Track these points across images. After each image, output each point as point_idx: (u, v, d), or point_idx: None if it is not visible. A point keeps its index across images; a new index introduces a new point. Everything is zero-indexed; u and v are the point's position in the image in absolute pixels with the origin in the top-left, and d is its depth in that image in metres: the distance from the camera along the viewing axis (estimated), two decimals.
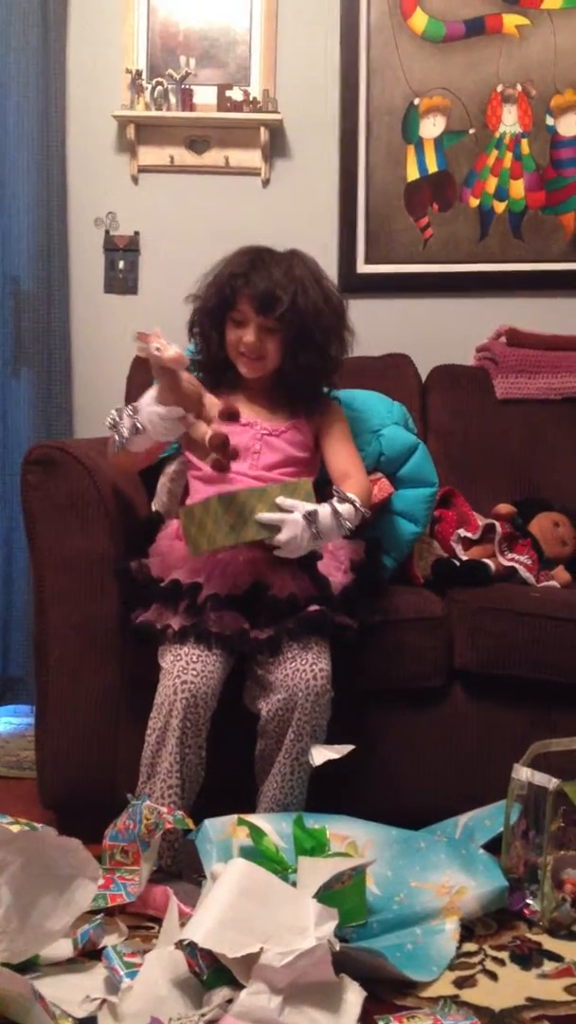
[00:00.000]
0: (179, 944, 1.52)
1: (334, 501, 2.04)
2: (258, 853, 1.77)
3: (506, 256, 3.17)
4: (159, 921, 1.73)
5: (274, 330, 2.20)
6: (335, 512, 2.02)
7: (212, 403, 2.05)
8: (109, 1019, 1.47)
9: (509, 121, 3.16)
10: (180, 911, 1.65)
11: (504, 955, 1.73)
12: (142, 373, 2.80)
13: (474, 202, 3.17)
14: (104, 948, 1.62)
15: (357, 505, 2.07)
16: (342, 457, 2.29)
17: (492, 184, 3.16)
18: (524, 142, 3.15)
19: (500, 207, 3.17)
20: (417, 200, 3.17)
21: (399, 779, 2.19)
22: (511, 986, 1.63)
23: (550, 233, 3.16)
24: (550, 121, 3.15)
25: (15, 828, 1.59)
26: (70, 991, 1.54)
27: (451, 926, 1.75)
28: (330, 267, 3.11)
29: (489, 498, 2.67)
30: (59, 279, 3.11)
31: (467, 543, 2.51)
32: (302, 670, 1.95)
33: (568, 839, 1.88)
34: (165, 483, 2.43)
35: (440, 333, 3.14)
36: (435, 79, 3.15)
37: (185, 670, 1.93)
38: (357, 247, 3.17)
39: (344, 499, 2.06)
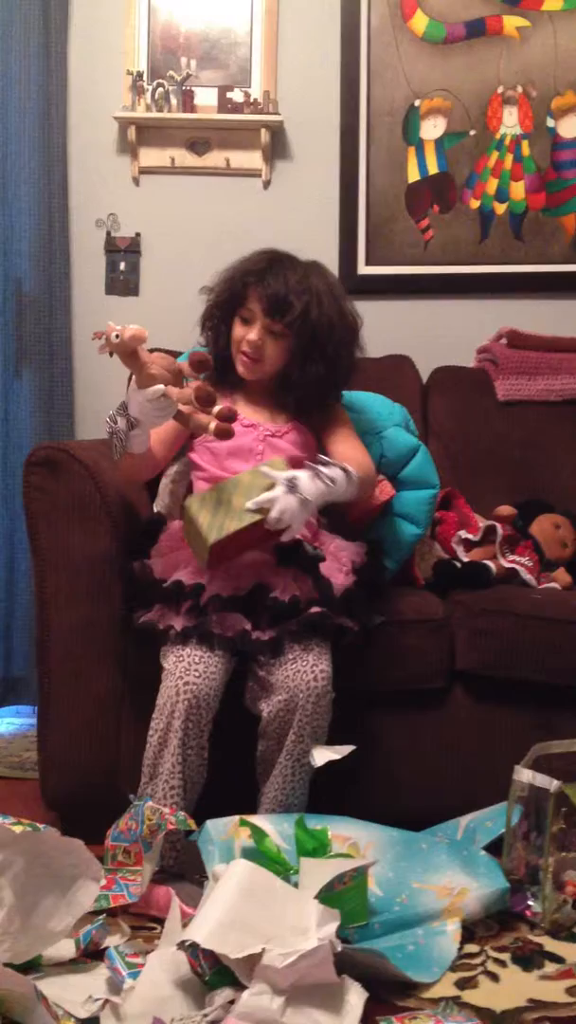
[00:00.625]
0: (181, 945, 1.52)
1: (314, 465, 2.00)
2: (260, 854, 1.77)
3: (507, 258, 3.18)
4: (161, 922, 1.74)
5: (279, 335, 2.20)
6: (315, 473, 1.97)
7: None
8: (112, 1019, 1.48)
9: (510, 123, 3.16)
10: (182, 912, 1.66)
11: (505, 956, 1.73)
12: None
13: (475, 204, 3.17)
14: (106, 949, 1.62)
15: (343, 466, 2.02)
16: (344, 446, 2.27)
17: (493, 186, 3.17)
18: (525, 144, 3.16)
19: (501, 209, 3.17)
20: (418, 202, 3.18)
21: (400, 780, 2.19)
22: (512, 987, 1.64)
23: (551, 235, 3.17)
24: (551, 123, 3.15)
25: (18, 829, 1.59)
26: (73, 992, 1.54)
27: (452, 927, 1.75)
28: (331, 268, 3.09)
29: (490, 500, 2.67)
30: (60, 281, 3.12)
31: (468, 545, 2.52)
32: (303, 671, 1.95)
33: (569, 841, 1.88)
34: (167, 484, 2.43)
35: (441, 335, 3.14)
36: (436, 80, 3.15)
37: (188, 671, 1.93)
38: (358, 249, 3.18)
39: (326, 464, 2.01)
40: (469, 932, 1.78)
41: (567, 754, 1.97)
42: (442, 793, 2.18)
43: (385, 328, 3.10)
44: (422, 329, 3.16)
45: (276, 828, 1.86)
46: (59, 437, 3.07)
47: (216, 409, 1.95)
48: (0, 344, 3.07)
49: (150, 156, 3.18)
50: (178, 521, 2.25)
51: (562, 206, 3.16)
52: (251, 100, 3.10)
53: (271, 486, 1.95)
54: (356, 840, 1.88)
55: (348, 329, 2.27)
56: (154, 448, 2.16)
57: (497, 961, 1.71)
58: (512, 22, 3.13)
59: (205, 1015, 1.47)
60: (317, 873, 1.66)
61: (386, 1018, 1.50)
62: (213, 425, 1.96)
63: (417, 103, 3.16)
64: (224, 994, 1.49)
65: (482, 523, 2.54)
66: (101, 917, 1.73)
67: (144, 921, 1.82)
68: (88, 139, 3.17)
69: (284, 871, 1.74)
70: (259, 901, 1.56)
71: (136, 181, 3.20)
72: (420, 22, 3.14)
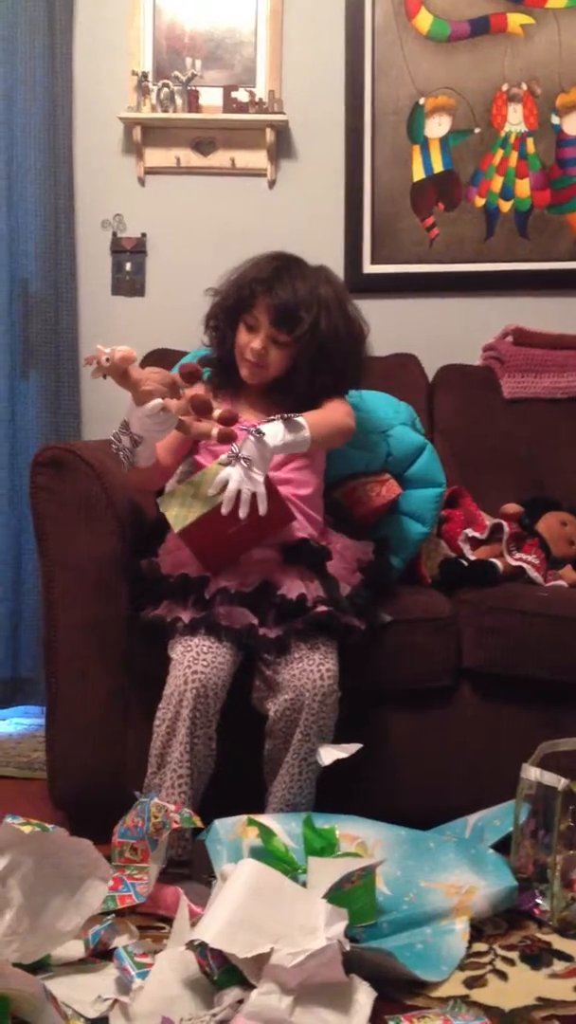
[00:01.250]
0: (190, 944, 1.53)
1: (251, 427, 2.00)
2: (268, 853, 1.77)
3: (512, 255, 3.17)
4: (170, 921, 1.74)
5: (284, 344, 2.20)
6: (254, 434, 1.96)
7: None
8: (121, 1019, 1.48)
9: (514, 120, 3.16)
10: (191, 911, 1.66)
11: (514, 955, 1.73)
12: None
13: (480, 201, 3.17)
14: (115, 948, 1.63)
15: (281, 416, 2.01)
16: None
17: (498, 183, 3.16)
18: (529, 141, 3.15)
19: (506, 206, 3.17)
20: (423, 200, 3.17)
21: (408, 779, 2.20)
22: (521, 986, 1.64)
23: (556, 232, 3.16)
24: (555, 120, 3.15)
25: (26, 829, 1.60)
26: (82, 991, 1.54)
27: (461, 926, 1.75)
28: (336, 267, 3.09)
29: (496, 498, 2.67)
30: (67, 281, 3.12)
31: (475, 543, 2.52)
32: (309, 670, 1.95)
33: None
34: (173, 485, 2.43)
35: (446, 333, 3.14)
36: (440, 79, 3.15)
37: (196, 660, 1.94)
38: (363, 247, 3.18)
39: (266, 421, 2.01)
40: (477, 931, 1.79)
41: (575, 752, 1.97)
42: (450, 791, 2.19)
43: (391, 326, 3.09)
44: (428, 327, 3.15)
45: (284, 827, 1.87)
46: (66, 438, 3.07)
47: (217, 413, 1.97)
48: (7, 345, 3.07)
49: (155, 156, 3.18)
50: None
51: (567, 203, 3.16)
52: (256, 100, 3.10)
53: None
54: (364, 839, 1.88)
55: (355, 338, 2.26)
56: (161, 457, 2.17)
57: (506, 959, 1.71)
58: (516, 19, 3.13)
59: (214, 1015, 1.47)
60: (325, 872, 1.66)
61: (395, 1017, 1.50)
62: (215, 431, 1.98)
63: (422, 101, 3.16)
64: (233, 993, 1.49)
65: (489, 521, 2.54)
66: (110, 917, 1.73)
67: (153, 921, 1.82)
68: (93, 140, 3.17)
69: (292, 870, 1.74)
70: (267, 900, 1.56)
71: (141, 181, 3.20)
72: (424, 20, 3.13)
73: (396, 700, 2.20)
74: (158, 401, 1.93)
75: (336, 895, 1.62)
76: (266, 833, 1.82)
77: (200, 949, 1.51)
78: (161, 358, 2.82)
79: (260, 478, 1.94)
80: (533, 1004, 1.58)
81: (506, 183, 3.16)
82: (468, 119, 3.16)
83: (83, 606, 2.17)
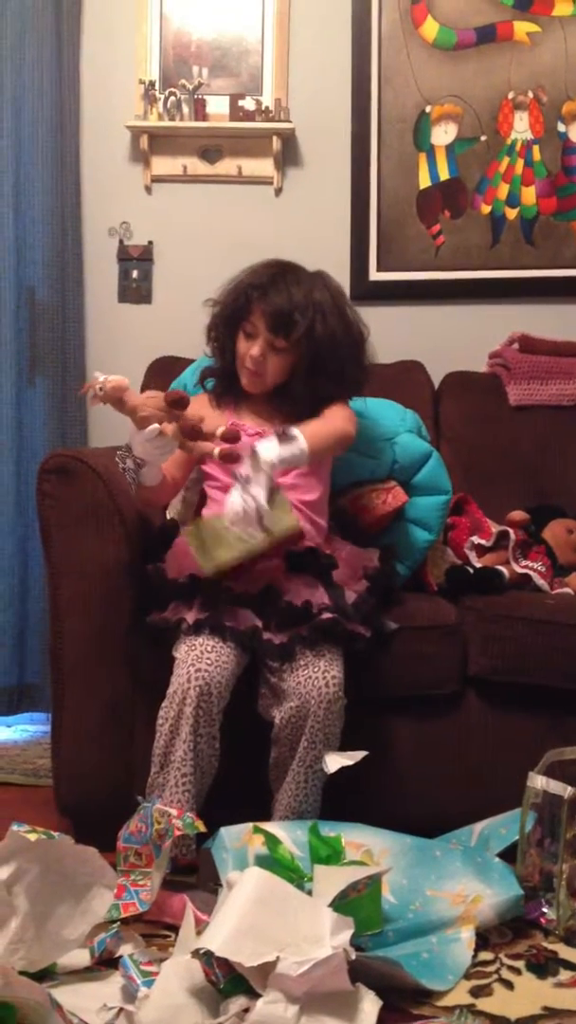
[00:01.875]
0: (196, 953, 1.52)
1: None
2: (274, 861, 1.77)
3: (518, 262, 3.17)
4: (175, 929, 1.74)
5: (282, 350, 2.20)
6: (250, 455, 1.94)
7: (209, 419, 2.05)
8: None
9: (520, 128, 3.16)
10: (196, 919, 1.66)
11: (520, 964, 1.72)
12: (156, 381, 2.82)
13: (486, 209, 3.17)
14: (121, 957, 1.62)
15: (277, 431, 2.01)
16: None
17: (504, 191, 3.17)
18: (535, 148, 3.16)
19: (512, 214, 3.17)
20: (429, 207, 3.18)
21: (414, 787, 2.19)
22: (527, 995, 1.63)
23: (562, 239, 3.17)
24: (561, 127, 3.15)
25: (32, 836, 1.60)
26: (87, 1000, 1.54)
27: (467, 935, 1.75)
28: (342, 275, 3.12)
29: (502, 505, 2.67)
30: (74, 289, 3.13)
31: (481, 550, 2.52)
32: (314, 677, 1.96)
33: None
34: (181, 492, 2.44)
35: (452, 340, 3.14)
36: (446, 87, 3.16)
37: (200, 659, 1.94)
38: (369, 255, 3.18)
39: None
40: (483, 939, 1.78)
41: None
42: (455, 799, 2.18)
43: (397, 334, 3.10)
44: (434, 334, 3.16)
45: (290, 835, 1.87)
46: (72, 445, 3.08)
47: (220, 431, 1.98)
48: (14, 352, 3.08)
49: (162, 164, 3.19)
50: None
51: (573, 210, 3.16)
52: (263, 108, 3.11)
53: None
54: (370, 847, 1.88)
55: (353, 342, 2.26)
56: (169, 471, 2.18)
57: (511, 968, 1.71)
58: (522, 27, 3.13)
59: (220, 1023, 1.47)
60: (331, 881, 1.66)
61: None
62: (217, 451, 2.00)
63: (428, 109, 3.16)
64: (238, 1002, 1.49)
65: (495, 528, 2.54)
66: (115, 925, 1.73)
67: (158, 929, 1.82)
68: (101, 148, 3.19)
69: (298, 878, 1.74)
70: (273, 909, 1.56)
71: (148, 189, 3.21)
72: (431, 29, 3.14)
73: (402, 708, 2.20)
74: (155, 427, 1.96)
75: (342, 904, 1.62)
76: (272, 841, 1.82)
77: (206, 957, 1.51)
78: (168, 366, 2.83)
79: (261, 496, 1.93)
80: (539, 1013, 1.57)
81: (512, 191, 3.16)
82: (474, 127, 3.16)
83: (89, 613, 2.18)
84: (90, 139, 3.18)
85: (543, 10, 3.13)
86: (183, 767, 1.94)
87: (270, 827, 1.87)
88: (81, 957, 1.66)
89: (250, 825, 1.87)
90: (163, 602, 2.07)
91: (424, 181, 3.18)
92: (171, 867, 1.89)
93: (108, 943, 1.67)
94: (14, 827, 1.61)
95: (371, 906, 1.68)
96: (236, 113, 3.11)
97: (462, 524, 2.60)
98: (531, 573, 2.45)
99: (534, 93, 3.14)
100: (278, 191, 3.21)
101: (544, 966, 1.71)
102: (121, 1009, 1.51)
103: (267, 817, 2.00)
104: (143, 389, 2.87)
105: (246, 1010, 1.47)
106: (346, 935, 1.54)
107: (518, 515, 2.59)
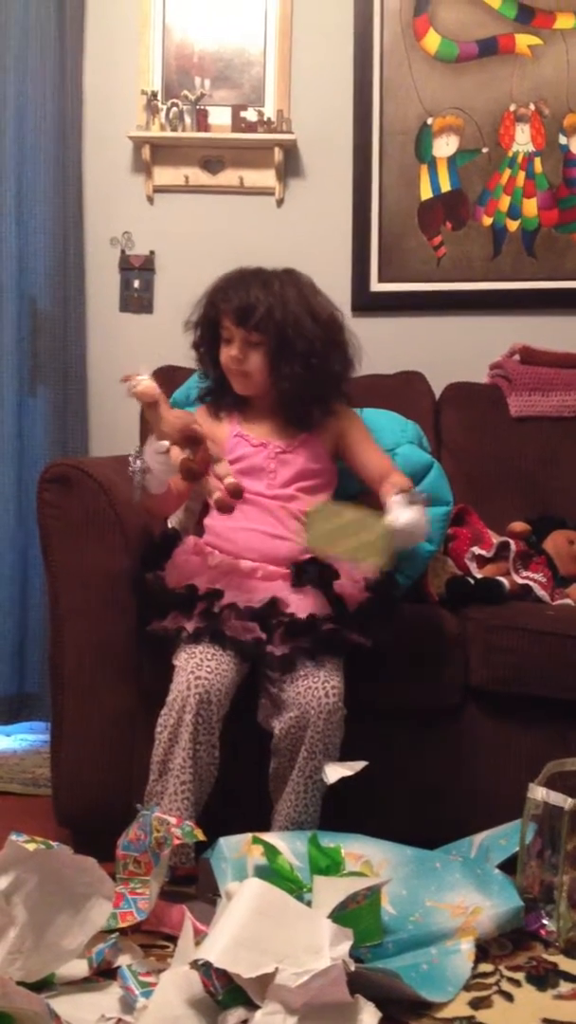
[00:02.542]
0: (194, 964, 1.52)
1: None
2: (273, 872, 1.77)
3: (519, 274, 3.18)
4: (174, 940, 1.73)
5: (257, 343, 2.21)
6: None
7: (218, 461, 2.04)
8: None
9: (522, 140, 3.17)
10: (195, 929, 1.65)
11: (520, 976, 1.71)
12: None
13: (487, 221, 3.18)
14: (119, 967, 1.62)
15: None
16: (373, 456, 2.30)
17: (505, 203, 3.18)
18: (537, 161, 3.17)
19: (513, 225, 3.18)
20: (430, 219, 3.19)
21: (414, 798, 2.19)
22: (527, 1007, 1.62)
23: (563, 251, 3.17)
24: (563, 140, 3.16)
25: (31, 846, 1.59)
26: (85, 1010, 1.54)
27: (466, 946, 1.74)
28: (344, 286, 3.13)
29: (503, 516, 2.67)
30: (75, 298, 3.14)
31: (481, 561, 2.52)
32: (314, 688, 1.95)
33: None
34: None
35: (453, 351, 3.15)
36: (448, 99, 3.17)
37: (199, 667, 1.95)
38: (370, 266, 3.19)
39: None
40: (483, 951, 1.77)
41: None
42: (455, 810, 2.18)
43: (398, 345, 3.11)
44: (435, 346, 3.16)
45: (289, 846, 1.86)
46: (73, 454, 3.08)
47: (228, 481, 1.98)
48: (15, 361, 3.08)
49: (164, 175, 3.20)
50: (192, 537, 2.26)
51: (574, 222, 3.17)
52: (264, 119, 3.12)
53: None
54: (369, 858, 1.87)
55: (322, 324, 2.25)
56: (176, 483, 2.18)
57: (511, 980, 1.70)
58: (524, 40, 3.14)
59: None
60: (330, 891, 1.65)
61: None
62: (216, 495, 1.99)
63: (430, 121, 3.17)
64: (237, 1013, 1.48)
65: (495, 539, 2.54)
66: (114, 935, 1.72)
67: (157, 939, 1.81)
68: (103, 158, 3.20)
69: (297, 889, 1.74)
70: (272, 920, 1.55)
71: (150, 200, 3.22)
72: (432, 41, 3.16)
73: (402, 718, 2.20)
74: (164, 444, 1.96)
75: (341, 915, 1.61)
76: (271, 852, 1.81)
77: (204, 968, 1.50)
78: (169, 375, 2.83)
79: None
80: None
81: (513, 202, 3.17)
82: (476, 139, 3.17)
83: (89, 622, 2.17)
84: (92, 149, 3.19)
85: (545, 23, 3.14)
86: (182, 775, 1.93)
87: (269, 837, 1.87)
88: (79, 967, 1.66)
89: (249, 835, 1.87)
90: (163, 611, 2.07)
91: (425, 193, 3.19)
92: (169, 876, 1.88)
93: (106, 953, 1.66)
94: (13, 837, 1.61)
95: (370, 917, 1.68)
96: (238, 124, 3.12)
97: (463, 535, 2.60)
98: (532, 584, 2.44)
99: (536, 105, 3.16)
100: (280, 202, 3.21)
101: (544, 978, 1.70)
102: (119, 1020, 1.50)
103: (266, 828, 1.99)
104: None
105: (244, 1021, 1.46)
106: (345, 946, 1.54)
107: (519, 526, 2.59)
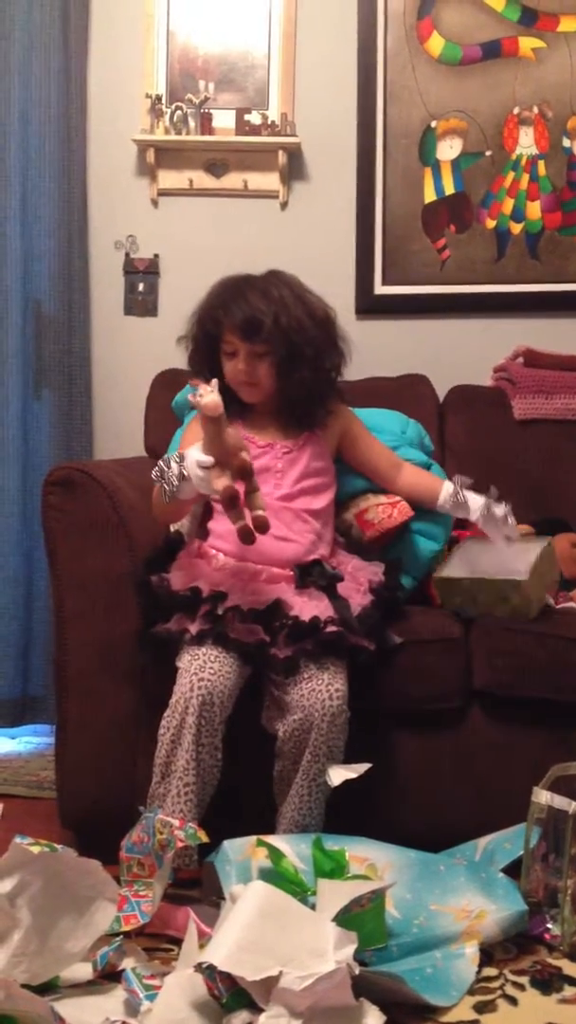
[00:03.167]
0: (198, 967, 1.52)
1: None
2: (277, 875, 1.77)
3: (523, 277, 3.18)
4: (178, 943, 1.73)
5: (263, 354, 2.21)
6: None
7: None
8: None
9: (526, 143, 3.17)
10: (199, 932, 1.65)
11: (524, 980, 1.71)
12: (162, 394, 2.83)
13: (491, 223, 3.18)
14: (123, 970, 1.62)
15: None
16: (379, 451, 2.40)
17: (509, 205, 3.18)
18: (541, 163, 3.17)
19: (517, 228, 3.18)
20: (434, 222, 3.19)
21: (418, 801, 2.19)
22: (531, 1011, 1.62)
23: (567, 254, 3.17)
24: (567, 143, 3.16)
25: (35, 849, 1.60)
26: (90, 1013, 1.54)
27: (471, 950, 1.74)
28: (348, 288, 3.14)
29: None
30: (80, 301, 3.14)
31: None
32: (318, 690, 1.95)
33: None
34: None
35: (457, 354, 3.15)
36: (452, 102, 3.17)
37: (202, 668, 1.95)
38: (374, 269, 3.19)
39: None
40: (487, 955, 1.77)
41: None
42: (460, 814, 2.17)
43: (401, 347, 3.11)
44: (438, 348, 3.16)
45: (293, 849, 1.86)
46: (78, 457, 3.08)
47: (257, 513, 1.96)
48: (20, 364, 3.09)
49: (168, 178, 3.20)
50: (196, 540, 2.26)
51: None
52: (268, 122, 3.12)
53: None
54: (374, 861, 1.87)
55: (320, 324, 2.27)
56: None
57: (516, 984, 1.70)
58: (528, 43, 3.15)
59: None
60: (334, 895, 1.65)
61: None
62: (241, 524, 1.97)
63: (433, 124, 3.17)
64: (241, 1016, 1.48)
65: None
66: (119, 939, 1.72)
67: (161, 943, 1.81)
68: (107, 161, 3.20)
69: (301, 892, 1.73)
70: (276, 923, 1.55)
71: (155, 203, 3.22)
72: (436, 44, 3.16)
73: (406, 721, 2.20)
74: (210, 459, 1.94)
75: (345, 918, 1.61)
76: (275, 854, 1.81)
77: (208, 972, 1.50)
78: (173, 378, 2.84)
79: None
80: None
81: (517, 205, 3.17)
82: (479, 142, 3.17)
83: (94, 625, 2.18)
84: (97, 152, 3.19)
85: (548, 26, 3.14)
86: (185, 776, 1.94)
87: (274, 840, 1.87)
88: (84, 970, 1.66)
89: (254, 838, 1.87)
90: (167, 614, 2.07)
91: (429, 196, 3.19)
92: (173, 878, 1.88)
93: (111, 956, 1.66)
94: (17, 840, 1.61)
95: (375, 921, 1.67)
96: (242, 127, 3.12)
97: (466, 537, 2.60)
98: None
99: (539, 108, 3.16)
100: (284, 205, 3.22)
101: (548, 982, 1.70)
102: (123, 1023, 1.50)
103: (271, 830, 1.99)
104: (148, 402, 2.88)
105: None
106: (349, 950, 1.54)
107: (522, 528, 2.58)
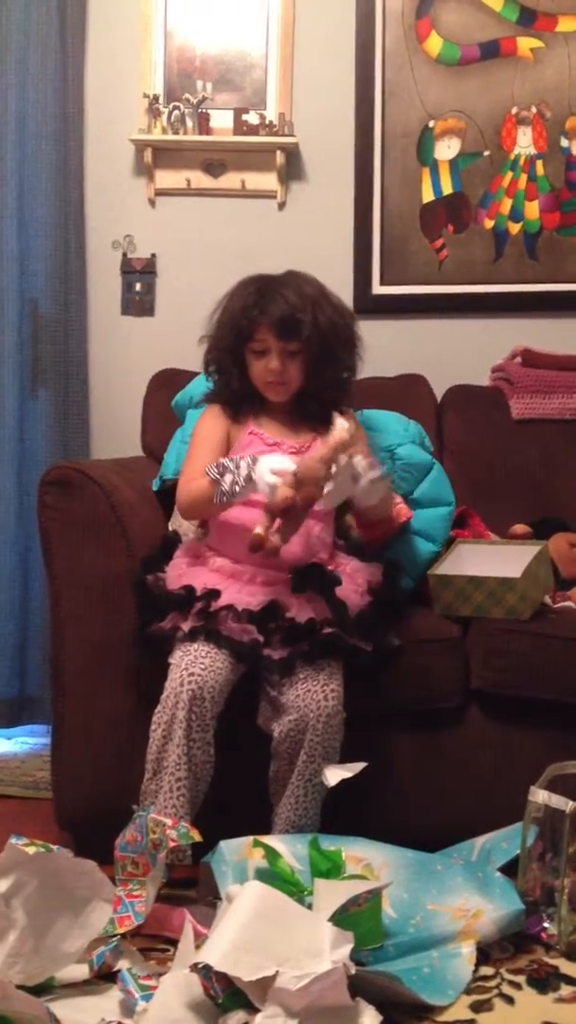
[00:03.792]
0: (194, 967, 1.51)
1: None
2: (274, 875, 1.76)
3: (521, 277, 3.18)
4: (174, 943, 1.73)
5: (295, 352, 2.21)
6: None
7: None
8: None
9: (524, 143, 3.17)
10: (196, 933, 1.65)
11: (521, 979, 1.71)
12: (159, 394, 2.82)
13: (489, 223, 3.18)
14: (119, 971, 1.62)
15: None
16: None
17: (507, 205, 3.18)
18: (539, 164, 3.16)
19: (515, 228, 3.17)
20: (432, 222, 3.19)
21: (415, 801, 2.18)
22: (528, 1010, 1.62)
23: (565, 254, 3.17)
24: (565, 143, 3.16)
25: (31, 850, 1.59)
26: (85, 1014, 1.54)
27: (467, 949, 1.74)
28: (346, 288, 3.13)
29: (506, 518, 2.67)
30: (77, 301, 3.14)
31: None
32: (314, 691, 1.95)
33: None
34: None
35: (455, 354, 3.14)
36: (450, 102, 3.17)
37: (193, 663, 1.95)
38: (373, 269, 3.19)
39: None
40: (484, 954, 1.77)
41: None
42: (457, 813, 2.17)
43: (400, 347, 3.11)
44: (436, 348, 3.16)
45: (290, 849, 1.86)
46: (74, 457, 3.08)
47: (278, 540, 1.99)
48: (16, 364, 3.08)
49: (166, 178, 3.20)
50: (193, 540, 2.26)
51: None
52: (266, 122, 3.12)
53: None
54: (370, 861, 1.87)
55: (348, 323, 2.29)
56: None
57: (512, 984, 1.70)
58: (526, 43, 3.14)
59: None
60: (331, 895, 1.65)
61: None
62: (261, 533, 1.98)
63: (431, 124, 3.17)
64: (237, 1016, 1.48)
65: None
66: (115, 939, 1.72)
67: (157, 943, 1.81)
68: (105, 161, 3.20)
69: (298, 892, 1.73)
70: (273, 923, 1.55)
71: (152, 203, 3.22)
72: (434, 44, 3.15)
73: (404, 721, 2.20)
74: (292, 467, 1.99)
75: (342, 918, 1.61)
76: (272, 854, 1.81)
77: (204, 972, 1.50)
78: (170, 378, 2.84)
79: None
80: None
81: (515, 205, 3.17)
82: (478, 142, 3.17)
83: (90, 624, 2.17)
84: (94, 152, 3.19)
85: (547, 26, 3.14)
86: (177, 771, 1.93)
87: (270, 840, 1.87)
88: (79, 971, 1.66)
89: (250, 838, 1.87)
90: (162, 613, 2.07)
91: (427, 195, 3.19)
92: (167, 877, 1.88)
93: (107, 957, 1.66)
94: (12, 840, 1.61)
95: (371, 920, 1.67)
96: (240, 127, 3.12)
97: (465, 537, 2.60)
98: None
99: (537, 108, 3.15)
100: (281, 205, 3.21)
101: (545, 981, 1.70)
102: (119, 1023, 1.50)
103: (267, 831, 1.99)
104: (145, 401, 2.88)
105: None
106: (346, 949, 1.53)
107: (520, 528, 2.58)
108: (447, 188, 3.18)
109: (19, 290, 3.08)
